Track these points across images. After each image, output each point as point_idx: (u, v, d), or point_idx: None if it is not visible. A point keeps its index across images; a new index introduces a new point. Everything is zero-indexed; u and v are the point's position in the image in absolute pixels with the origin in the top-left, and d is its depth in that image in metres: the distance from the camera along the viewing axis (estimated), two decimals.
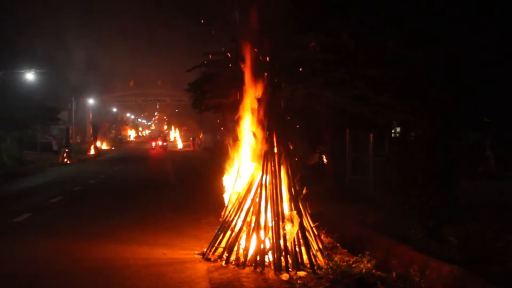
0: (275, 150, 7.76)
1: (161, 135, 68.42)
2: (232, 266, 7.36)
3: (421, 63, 10.74)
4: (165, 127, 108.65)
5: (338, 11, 11.55)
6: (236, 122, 8.30)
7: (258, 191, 7.66)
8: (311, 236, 7.73)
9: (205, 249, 8.05)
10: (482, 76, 10.69)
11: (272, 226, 7.43)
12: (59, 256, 8.23)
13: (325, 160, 16.29)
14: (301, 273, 7.03)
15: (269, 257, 7.39)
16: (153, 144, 57.72)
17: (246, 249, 7.43)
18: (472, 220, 8.95)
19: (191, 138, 60.77)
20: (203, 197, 14.15)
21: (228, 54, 12.03)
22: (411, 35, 10.67)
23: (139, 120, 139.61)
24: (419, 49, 10.41)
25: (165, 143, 57.16)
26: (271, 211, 7.52)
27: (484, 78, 10.70)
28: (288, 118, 8.33)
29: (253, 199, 7.68)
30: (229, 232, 7.74)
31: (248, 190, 7.80)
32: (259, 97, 7.89)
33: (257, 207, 7.57)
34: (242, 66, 7.99)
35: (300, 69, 10.97)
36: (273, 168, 7.68)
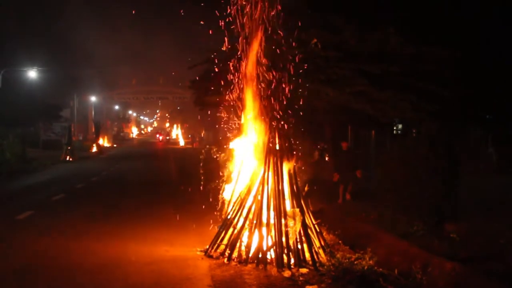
0: (277, 147, 7.76)
1: (163, 131, 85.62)
2: (234, 263, 7.37)
3: (423, 59, 10.71)
4: (167, 124, 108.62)
5: (341, 8, 11.52)
6: (238, 119, 8.29)
7: (260, 188, 7.66)
8: (313, 233, 7.72)
9: (207, 246, 8.05)
10: (485, 73, 10.66)
11: (274, 223, 7.43)
12: (61, 253, 8.24)
13: (326, 157, 16.29)
14: (303, 270, 7.04)
15: (271, 254, 7.39)
16: (160, 138, 73.58)
17: (248, 246, 7.44)
18: (474, 216, 8.93)
19: (189, 135, 60.66)
20: (204, 195, 14.13)
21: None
22: (413, 31, 10.64)
23: (141, 117, 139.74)
24: (421, 46, 10.38)
25: (167, 137, 74.57)
26: (273, 208, 7.51)
27: (488, 75, 10.67)
28: (290, 114, 8.31)
29: (255, 196, 7.67)
30: (231, 229, 7.74)
31: (250, 187, 7.80)
32: (261, 94, 7.87)
33: (259, 204, 7.57)
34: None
35: (304, 66, 10.96)
36: (275, 165, 7.67)
